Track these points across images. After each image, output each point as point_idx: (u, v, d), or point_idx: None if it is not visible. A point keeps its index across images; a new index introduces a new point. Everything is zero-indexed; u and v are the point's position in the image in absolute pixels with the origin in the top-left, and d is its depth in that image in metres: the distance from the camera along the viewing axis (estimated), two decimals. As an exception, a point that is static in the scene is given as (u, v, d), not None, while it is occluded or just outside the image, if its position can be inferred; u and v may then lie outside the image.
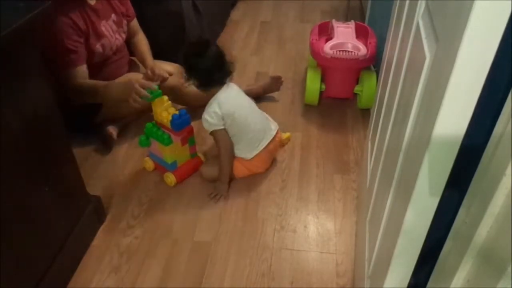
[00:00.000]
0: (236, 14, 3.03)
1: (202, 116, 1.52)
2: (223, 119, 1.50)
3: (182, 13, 2.08)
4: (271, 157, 1.68)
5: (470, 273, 0.59)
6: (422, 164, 0.61)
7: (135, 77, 1.69)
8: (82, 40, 1.58)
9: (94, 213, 1.42)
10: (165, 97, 1.55)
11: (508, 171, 0.50)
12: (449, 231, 0.66)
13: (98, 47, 1.63)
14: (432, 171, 0.61)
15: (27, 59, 1.06)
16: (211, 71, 1.48)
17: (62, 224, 1.26)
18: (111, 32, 1.69)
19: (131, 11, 1.84)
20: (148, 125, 1.58)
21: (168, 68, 1.94)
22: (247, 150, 1.58)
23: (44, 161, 1.15)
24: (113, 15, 1.71)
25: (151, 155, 1.66)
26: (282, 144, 1.77)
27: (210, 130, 1.53)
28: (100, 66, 1.71)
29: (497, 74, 0.51)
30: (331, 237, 1.42)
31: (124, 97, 1.54)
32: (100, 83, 1.63)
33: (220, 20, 2.79)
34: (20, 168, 1.05)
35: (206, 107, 1.52)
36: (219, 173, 1.57)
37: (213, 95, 1.51)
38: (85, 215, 1.36)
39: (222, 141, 1.54)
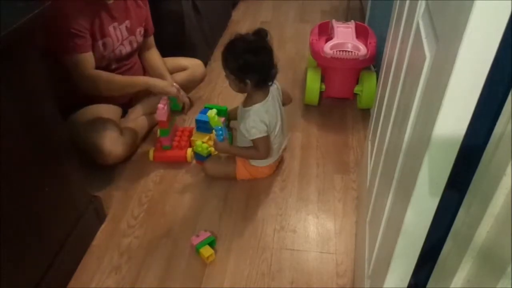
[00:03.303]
0: (236, 14, 3.03)
1: (247, 125, 1.44)
2: (267, 126, 1.46)
3: (182, 13, 2.08)
4: (276, 164, 1.68)
5: (470, 273, 0.59)
6: (422, 164, 0.61)
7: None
8: (88, 27, 1.53)
9: (94, 213, 1.42)
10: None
11: (508, 171, 0.50)
12: (449, 231, 0.66)
13: (99, 43, 1.60)
14: (432, 171, 0.61)
15: (27, 59, 1.06)
16: (270, 65, 1.40)
17: (62, 224, 1.26)
18: (118, 36, 1.65)
19: (151, 27, 1.83)
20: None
21: (183, 63, 1.99)
22: (263, 161, 1.57)
23: (45, 161, 1.15)
24: (127, 21, 1.66)
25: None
26: None
27: (256, 137, 1.45)
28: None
29: (497, 74, 0.51)
30: (331, 237, 1.42)
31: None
32: (122, 77, 1.65)
33: (222, 21, 2.78)
34: (20, 168, 1.05)
35: (250, 114, 1.44)
36: (233, 150, 1.57)
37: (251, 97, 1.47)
38: (85, 215, 1.36)
39: (265, 147, 1.48)
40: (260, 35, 1.39)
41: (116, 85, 1.64)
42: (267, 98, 1.47)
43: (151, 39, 1.87)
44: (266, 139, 1.48)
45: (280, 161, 1.70)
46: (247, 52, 1.36)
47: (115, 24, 1.62)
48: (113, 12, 1.60)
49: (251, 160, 1.58)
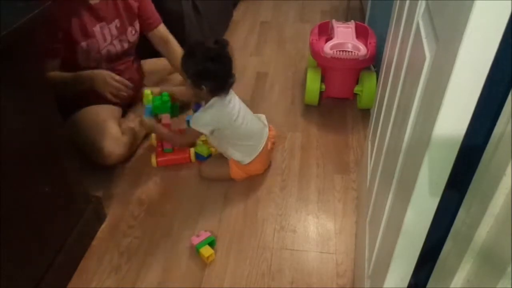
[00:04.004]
0: (236, 14, 3.03)
1: (197, 114, 1.48)
2: (213, 130, 1.50)
3: (182, 13, 2.08)
4: (268, 157, 1.67)
5: (470, 273, 0.59)
6: (422, 164, 0.61)
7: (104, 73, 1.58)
8: (61, 35, 1.50)
9: (94, 213, 1.42)
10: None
11: (508, 171, 0.50)
12: (449, 231, 0.66)
13: (82, 45, 1.56)
14: (432, 171, 0.61)
15: (27, 59, 1.06)
16: (229, 74, 1.44)
17: (62, 224, 1.26)
18: (106, 37, 1.62)
19: (154, 17, 1.78)
20: None
21: None
22: (246, 156, 1.57)
23: (45, 161, 1.15)
24: (116, 21, 1.64)
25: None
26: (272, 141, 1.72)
27: (192, 126, 1.48)
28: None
29: (497, 74, 0.51)
30: (331, 237, 1.42)
31: (96, 88, 1.57)
32: (67, 74, 1.57)
33: (223, 21, 2.78)
34: (20, 168, 1.05)
35: (206, 108, 1.47)
36: (158, 129, 1.58)
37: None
38: (85, 215, 1.36)
39: (190, 139, 1.61)
40: (221, 44, 1.42)
41: (62, 82, 1.55)
42: (224, 97, 1.48)
43: (162, 30, 1.82)
44: (197, 134, 1.53)
45: (272, 161, 1.70)
46: (207, 59, 1.39)
47: (102, 24, 1.60)
48: (99, 12, 1.58)
49: (239, 159, 1.57)
